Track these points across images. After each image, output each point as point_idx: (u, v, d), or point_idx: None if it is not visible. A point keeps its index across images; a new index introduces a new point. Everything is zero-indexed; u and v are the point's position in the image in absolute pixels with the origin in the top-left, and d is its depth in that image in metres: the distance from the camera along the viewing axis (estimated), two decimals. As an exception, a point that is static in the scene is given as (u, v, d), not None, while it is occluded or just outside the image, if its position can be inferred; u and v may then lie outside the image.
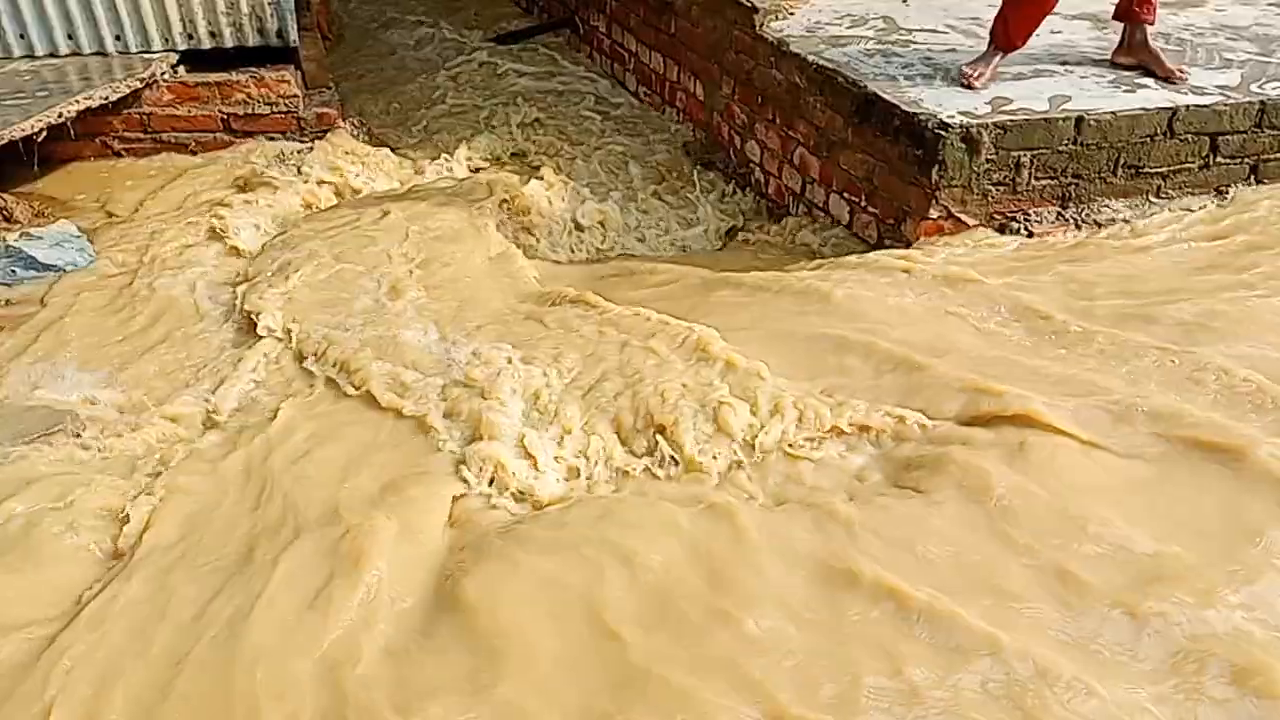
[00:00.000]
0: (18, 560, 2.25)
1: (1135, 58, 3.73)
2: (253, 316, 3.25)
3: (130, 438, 2.71)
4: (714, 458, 2.54)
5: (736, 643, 1.96)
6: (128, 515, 2.40)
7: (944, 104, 3.46)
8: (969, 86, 3.57)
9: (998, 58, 3.66)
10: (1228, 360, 2.68)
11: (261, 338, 3.16)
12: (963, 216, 3.47)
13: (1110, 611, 1.98)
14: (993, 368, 2.73)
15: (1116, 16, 3.79)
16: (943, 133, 3.31)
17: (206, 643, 2.01)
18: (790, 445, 2.54)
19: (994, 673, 1.86)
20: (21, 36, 4.36)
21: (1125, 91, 3.61)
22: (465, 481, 2.50)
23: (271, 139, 4.62)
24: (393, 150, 4.82)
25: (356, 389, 2.89)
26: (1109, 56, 3.82)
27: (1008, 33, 3.63)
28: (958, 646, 1.91)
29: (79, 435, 2.68)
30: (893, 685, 1.85)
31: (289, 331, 3.17)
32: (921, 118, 3.38)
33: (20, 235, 3.64)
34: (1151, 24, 3.73)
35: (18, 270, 3.53)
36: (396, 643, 2.03)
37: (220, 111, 4.55)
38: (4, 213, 3.81)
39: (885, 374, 2.76)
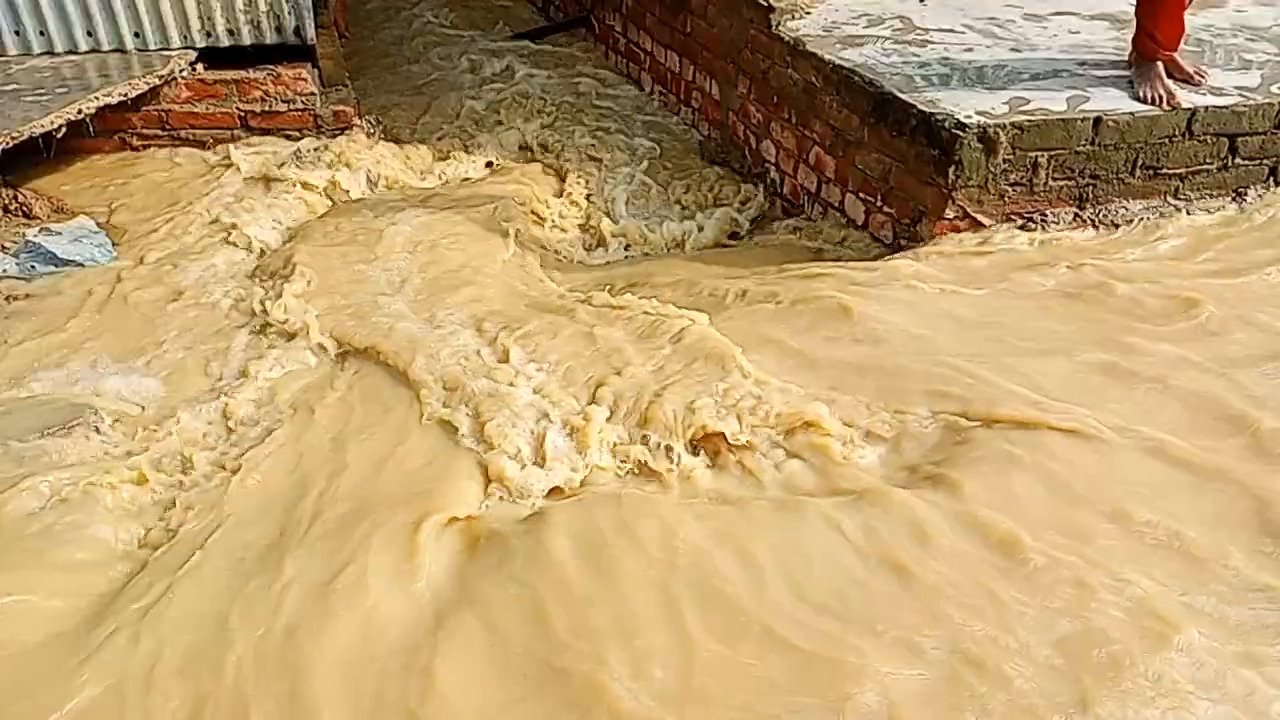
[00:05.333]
0: (37, 555, 2.26)
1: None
2: (274, 312, 3.27)
3: (152, 432, 2.73)
4: (720, 453, 2.56)
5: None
6: (153, 509, 2.42)
7: (961, 104, 3.45)
8: (1172, 106, 3.46)
9: (1157, 66, 3.56)
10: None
11: (284, 333, 3.18)
12: (979, 217, 3.46)
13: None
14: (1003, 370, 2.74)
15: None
16: (959, 132, 3.30)
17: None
18: (796, 443, 2.55)
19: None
20: (42, 33, 4.39)
21: (1144, 92, 3.59)
22: (484, 477, 2.51)
23: (289, 136, 4.63)
24: (410, 148, 4.83)
25: (385, 384, 2.90)
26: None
27: (1162, 41, 3.54)
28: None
29: (98, 429, 2.69)
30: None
31: (311, 326, 3.18)
32: (938, 117, 3.38)
33: (40, 230, 3.67)
34: None
35: (37, 265, 3.56)
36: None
37: (238, 109, 4.57)
38: (24, 208, 3.84)
39: (891, 375, 2.76)
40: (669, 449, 2.58)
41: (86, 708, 1.89)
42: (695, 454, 2.58)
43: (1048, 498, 2.28)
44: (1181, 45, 3.66)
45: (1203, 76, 3.65)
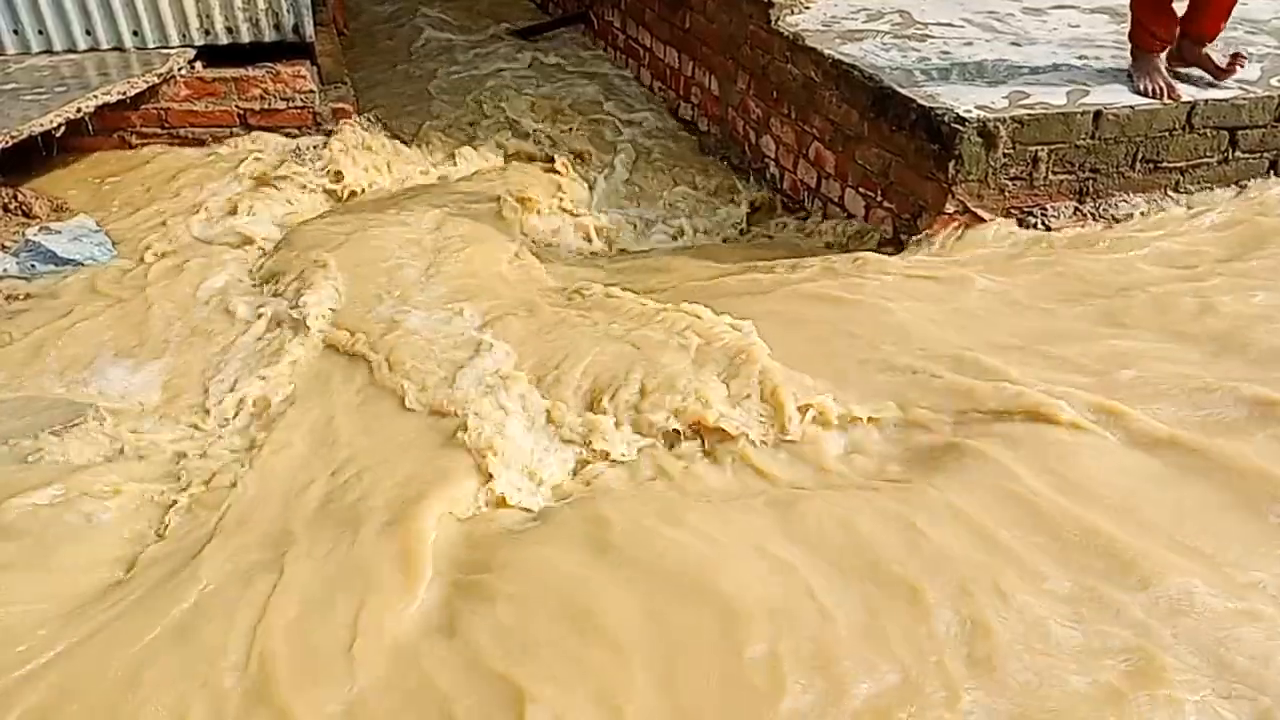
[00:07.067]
0: (37, 554, 2.26)
1: (1190, 63, 3.63)
2: (274, 310, 3.27)
3: (152, 431, 2.73)
4: (720, 448, 2.56)
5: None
6: (155, 508, 2.42)
7: (960, 98, 3.45)
8: (1171, 99, 3.45)
9: (1156, 59, 3.55)
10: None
11: (284, 331, 3.18)
12: (979, 211, 3.46)
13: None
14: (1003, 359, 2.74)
15: (1180, 24, 3.60)
16: (959, 127, 3.30)
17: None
18: (799, 437, 2.56)
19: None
20: (40, 32, 4.39)
21: (1143, 85, 3.58)
22: (481, 478, 2.50)
23: (288, 134, 4.63)
24: (408, 145, 4.84)
25: (385, 384, 2.90)
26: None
27: (1156, 35, 3.52)
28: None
29: (99, 428, 2.69)
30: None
31: (311, 324, 3.18)
32: (938, 112, 3.37)
33: (39, 229, 3.67)
34: (1210, 41, 3.60)
35: (37, 264, 3.56)
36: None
37: (237, 107, 4.57)
38: (23, 207, 3.84)
39: (895, 368, 2.76)
40: (662, 442, 2.58)
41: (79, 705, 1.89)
42: (693, 447, 2.59)
43: (1042, 493, 2.27)
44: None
45: (1241, 64, 3.56)
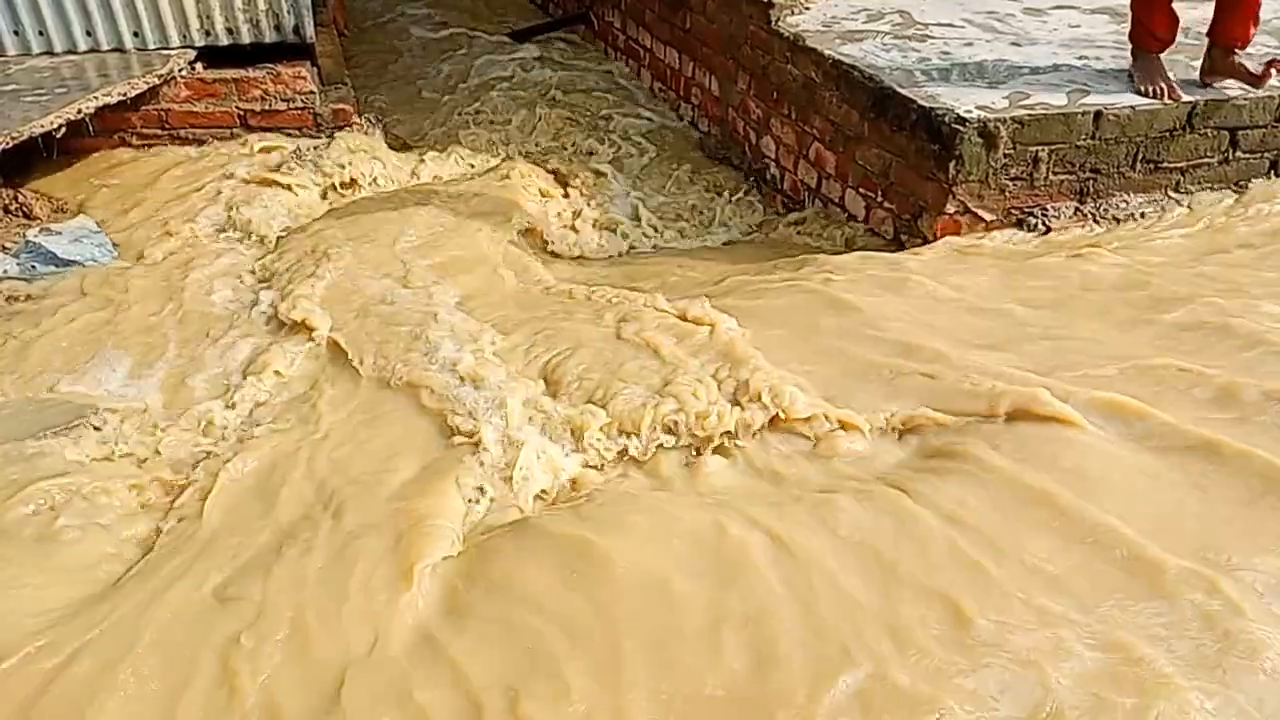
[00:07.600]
0: (41, 558, 2.25)
1: (1223, 74, 3.59)
2: (275, 311, 3.28)
3: (153, 432, 2.73)
4: (720, 447, 2.56)
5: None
6: (155, 509, 2.42)
7: (961, 98, 3.45)
8: (1172, 98, 3.45)
9: (1156, 59, 3.56)
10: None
11: (284, 331, 3.18)
12: (979, 212, 3.46)
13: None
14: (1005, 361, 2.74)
15: (1209, 35, 3.61)
16: (960, 127, 3.30)
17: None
18: (801, 436, 2.56)
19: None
20: (41, 33, 4.39)
21: (1144, 85, 3.58)
22: (479, 477, 2.50)
23: (289, 135, 4.63)
24: (408, 146, 4.84)
25: (385, 384, 2.90)
26: (1198, 77, 3.62)
27: (1156, 35, 3.53)
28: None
29: (100, 429, 2.69)
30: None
31: (311, 325, 3.18)
32: (939, 112, 3.37)
33: (40, 231, 3.68)
34: (1241, 48, 3.55)
35: (37, 265, 3.56)
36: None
37: (237, 108, 4.57)
38: (24, 208, 3.84)
39: (899, 370, 2.76)
40: (660, 445, 2.58)
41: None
42: (681, 444, 2.58)
43: (1029, 485, 2.27)
44: (1180, 37, 3.65)
45: (1277, 69, 3.52)
